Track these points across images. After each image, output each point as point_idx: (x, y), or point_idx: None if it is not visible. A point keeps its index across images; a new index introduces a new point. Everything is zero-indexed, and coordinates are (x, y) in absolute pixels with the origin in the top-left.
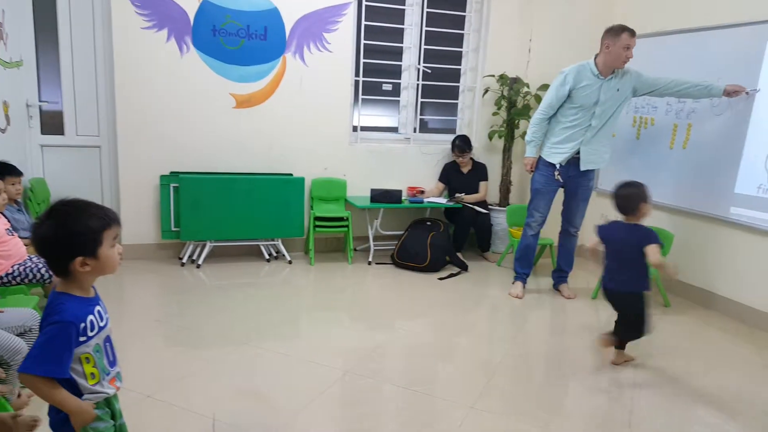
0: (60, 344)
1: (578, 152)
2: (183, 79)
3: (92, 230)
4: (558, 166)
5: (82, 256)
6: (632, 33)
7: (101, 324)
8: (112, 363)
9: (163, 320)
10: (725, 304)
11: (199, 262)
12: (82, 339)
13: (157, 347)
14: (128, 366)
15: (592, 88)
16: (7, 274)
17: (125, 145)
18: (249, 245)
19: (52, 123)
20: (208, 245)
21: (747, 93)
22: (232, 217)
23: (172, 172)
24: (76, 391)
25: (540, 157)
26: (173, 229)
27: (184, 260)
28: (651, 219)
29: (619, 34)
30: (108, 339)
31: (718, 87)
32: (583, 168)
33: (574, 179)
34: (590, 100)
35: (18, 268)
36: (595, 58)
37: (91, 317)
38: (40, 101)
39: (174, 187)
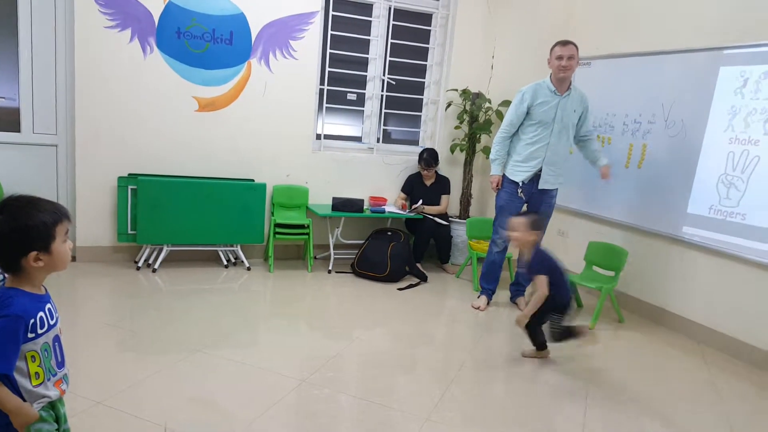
0: (6, 339)
1: (541, 170)
2: (145, 81)
3: (45, 225)
4: (521, 183)
5: (35, 251)
6: (562, 43)
7: (51, 322)
8: (60, 364)
9: (115, 324)
10: (676, 320)
11: (155, 266)
12: (30, 336)
13: (109, 352)
14: (78, 371)
15: (549, 104)
16: None
17: (83, 145)
18: (207, 250)
19: (8, 119)
20: (165, 249)
21: (611, 181)
22: (190, 222)
23: (130, 174)
24: (16, 392)
25: (504, 174)
26: (130, 232)
27: (140, 264)
28: (607, 235)
29: (552, 47)
30: (57, 338)
31: (600, 163)
32: (540, 187)
33: (536, 196)
34: (548, 117)
35: None
36: (550, 76)
37: (41, 314)
38: None
39: (132, 189)
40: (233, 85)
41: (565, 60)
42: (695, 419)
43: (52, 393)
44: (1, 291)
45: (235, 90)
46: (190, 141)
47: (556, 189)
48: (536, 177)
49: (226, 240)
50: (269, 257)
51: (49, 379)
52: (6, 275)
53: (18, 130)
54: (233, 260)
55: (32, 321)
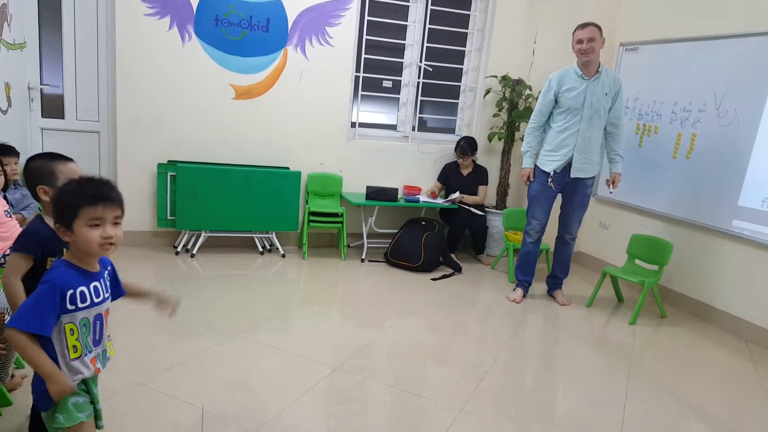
0: (44, 303)
1: (572, 158)
2: (184, 68)
3: (66, 203)
4: (552, 173)
5: (61, 226)
6: (582, 26)
7: (96, 300)
8: (97, 342)
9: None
10: (722, 317)
11: (194, 251)
12: (70, 307)
13: (148, 335)
14: (118, 352)
15: (577, 89)
16: (3, 255)
17: (124, 132)
18: (243, 237)
19: (52, 106)
20: (203, 235)
21: (611, 191)
22: (227, 208)
23: (169, 161)
24: (55, 363)
25: (536, 165)
26: (169, 217)
27: (179, 249)
28: (651, 228)
29: (573, 31)
30: (99, 317)
31: (614, 168)
32: (573, 176)
33: (570, 186)
34: (577, 103)
35: None
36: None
37: (83, 288)
38: (41, 84)
39: (171, 175)
40: (269, 73)
41: (585, 43)
42: (739, 419)
43: (86, 371)
44: (54, 262)
45: (272, 78)
46: (226, 129)
47: (592, 178)
48: (568, 166)
49: (262, 227)
50: (303, 245)
51: (86, 355)
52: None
53: (62, 117)
54: (268, 247)
55: (70, 292)
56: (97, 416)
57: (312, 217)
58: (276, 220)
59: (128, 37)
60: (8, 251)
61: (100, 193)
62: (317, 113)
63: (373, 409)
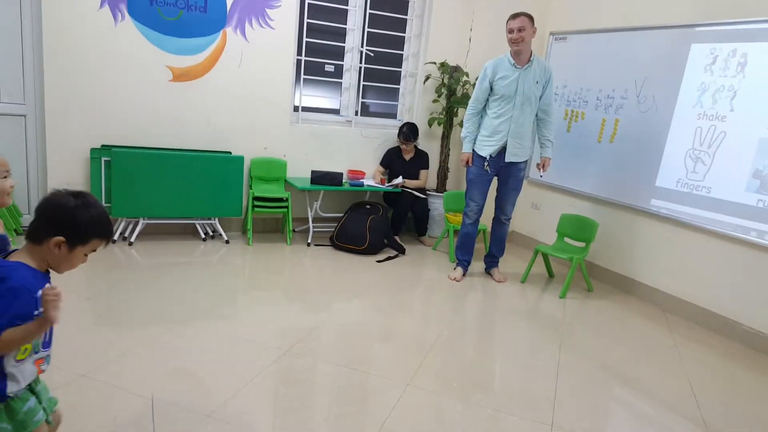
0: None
1: (506, 143)
2: (117, 49)
3: (85, 228)
4: (488, 157)
5: (64, 239)
6: (513, 16)
7: None
8: (46, 344)
9: (93, 298)
10: (643, 289)
11: (132, 239)
12: (36, 312)
13: (88, 326)
14: (59, 345)
15: (510, 78)
16: None
17: (53, 115)
18: (184, 224)
19: None
20: (141, 222)
21: (541, 175)
22: (167, 195)
23: (103, 146)
24: (0, 372)
25: (473, 150)
26: (104, 204)
27: (116, 237)
28: (579, 208)
29: (507, 21)
30: None
31: (544, 152)
32: (507, 160)
33: (504, 170)
34: (510, 90)
35: None
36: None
37: (40, 291)
38: None
39: (105, 161)
40: (208, 55)
41: (515, 33)
42: (658, 381)
43: (29, 373)
44: (6, 262)
45: (210, 59)
46: (165, 112)
47: (525, 162)
48: (503, 150)
49: (204, 213)
50: (248, 230)
51: (31, 356)
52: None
53: None
54: (211, 233)
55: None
56: (45, 413)
57: (256, 203)
58: (218, 206)
59: (56, 15)
60: None
61: (108, 232)
62: (259, 97)
63: (323, 389)
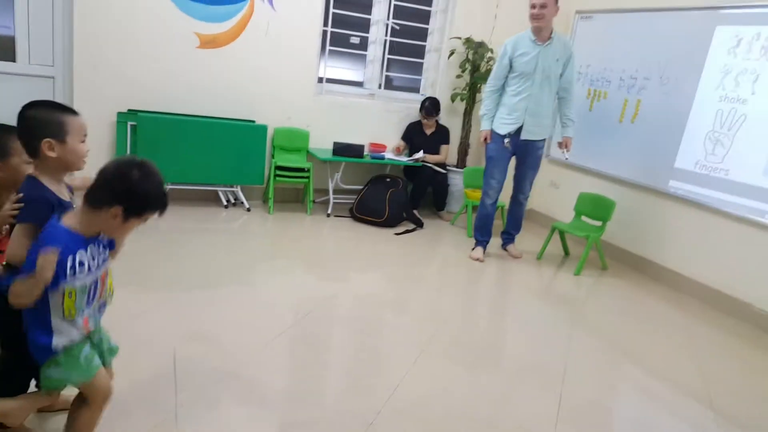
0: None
1: (524, 121)
2: (146, 14)
3: (148, 201)
4: (507, 135)
5: (121, 209)
6: None
7: (93, 266)
8: (90, 302)
9: (116, 261)
10: (657, 269)
11: None
12: (70, 273)
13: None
14: None
15: (530, 55)
16: None
17: (81, 78)
18: (207, 190)
19: (3, 48)
20: (166, 187)
21: (566, 157)
22: (191, 161)
23: (130, 110)
24: (48, 328)
25: (492, 128)
26: None
27: None
28: (598, 187)
29: None
30: (95, 282)
31: (566, 132)
32: (523, 138)
33: (522, 148)
34: (530, 68)
35: None
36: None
37: (82, 255)
38: None
39: (132, 125)
40: (236, 23)
41: (537, 8)
42: (668, 359)
43: (76, 333)
44: (52, 227)
45: (238, 27)
46: (190, 78)
47: (543, 140)
48: (521, 128)
49: (226, 180)
50: (269, 199)
51: (79, 316)
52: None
53: (13, 60)
54: (233, 201)
55: (71, 258)
56: (104, 360)
57: (278, 172)
58: (241, 174)
59: None
60: None
61: (166, 206)
62: (284, 66)
63: (338, 353)
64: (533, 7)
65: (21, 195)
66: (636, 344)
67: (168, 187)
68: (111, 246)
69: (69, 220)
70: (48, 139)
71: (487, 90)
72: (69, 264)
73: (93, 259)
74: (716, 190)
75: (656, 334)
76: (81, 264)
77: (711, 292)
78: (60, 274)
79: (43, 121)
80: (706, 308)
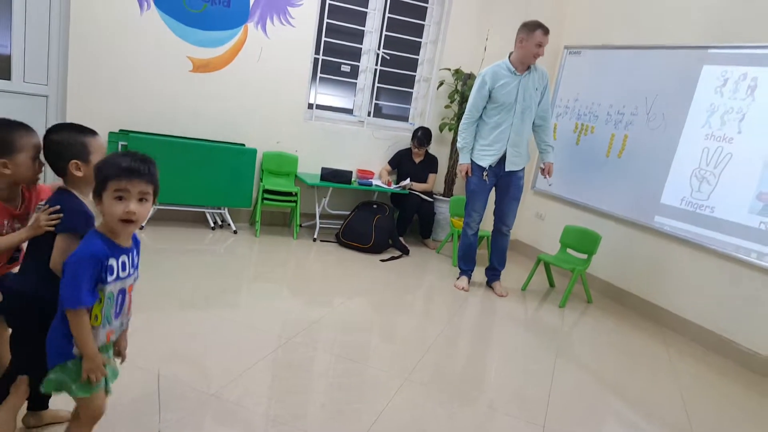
0: (81, 275)
1: (506, 152)
2: (141, 37)
3: (100, 174)
4: (487, 167)
5: (95, 195)
6: (546, 31)
7: (122, 274)
8: (117, 314)
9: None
10: (641, 303)
11: (143, 224)
12: (109, 278)
13: None
14: None
15: (510, 85)
16: None
17: (75, 98)
18: (195, 212)
19: None
20: (153, 207)
21: (549, 183)
22: (179, 182)
23: (121, 130)
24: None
25: (471, 160)
26: None
27: None
28: (583, 220)
29: (533, 30)
30: (123, 291)
31: (546, 158)
32: (507, 169)
33: (504, 179)
34: (510, 98)
35: None
36: (510, 56)
37: (111, 261)
38: None
39: (122, 145)
40: (229, 48)
41: (542, 49)
42: (651, 393)
43: (99, 341)
44: (88, 233)
45: (231, 53)
46: (183, 101)
47: (523, 169)
48: (502, 159)
49: (214, 202)
50: (256, 222)
51: (104, 326)
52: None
53: (8, 78)
54: (220, 223)
55: (102, 263)
56: (106, 381)
57: (266, 195)
58: (229, 196)
59: (84, 2)
60: None
61: (128, 167)
62: (275, 92)
63: (322, 378)
64: (540, 46)
65: (57, 207)
66: (621, 378)
67: (156, 207)
68: (138, 244)
69: (99, 227)
70: (75, 161)
71: (464, 122)
72: (104, 267)
73: (122, 268)
74: (702, 227)
75: (641, 369)
76: (110, 269)
77: (695, 328)
78: (98, 276)
79: (69, 144)
80: (691, 344)
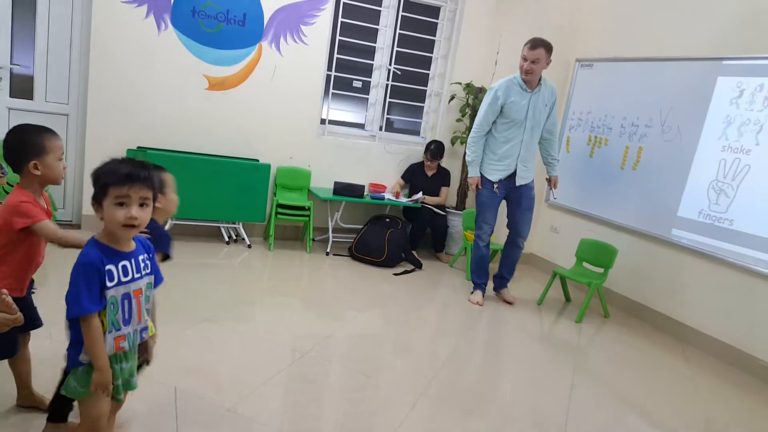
0: (80, 282)
1: (516, 167)
2: (158, 56)
3: (99, 181)
4: (497, 181)
5: (94, 202)
6: (530, 45)
7: (123, 279)
8: (127, 321)
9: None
10: (659, 318)
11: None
12: (109, 283)
13: None
14: None
15: (521, 102)
16: None
17: (94, 116)
18: (210, 226)
19: (21, 87)
20: (169, 222)
21: (554, 196)
22: (195, 197)
23: (139, 147)
24: (81, 339)
25: (481, 173)
26: None
27: None
28: (598, 234)
29: (523, 46)
30: (128, 296)
31: (552, 172)
32: (518, 184)
33: (515, 192)
34: (520, 115)
35: None
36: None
37: (110, 267)
38: (11, 64)
39: None
40: (243, 66)
41: (527, 63)
42: (672, 411)
43: (108, 346)
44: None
45: (245, 71)
46: (199, 118)
47: (533, 180)
48: (512, 174)
49: (229, 217)
50: (270, 236)
51: (110, 332)
52: None
53: (31, 98)
54: (234, 237)
55: (99, 270)
56: (116, 390)
57: (280, 210)
58: (243, 211)
59: (104, 22)
60: None
61: (129, 173)
62: (289, 108)
63: (337, 393)
64: (524, 59)
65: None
66: (639, 394)
67: (172, 222)
68: (150, 251)
69: (98, 235)
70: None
71: (473, 136)
72: (103, 273)
73: (124, 273)
74: (721, 240)
75: (660, 385)
76: (110, 275)
77: (715, 343)
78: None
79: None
80: (711, 359)
